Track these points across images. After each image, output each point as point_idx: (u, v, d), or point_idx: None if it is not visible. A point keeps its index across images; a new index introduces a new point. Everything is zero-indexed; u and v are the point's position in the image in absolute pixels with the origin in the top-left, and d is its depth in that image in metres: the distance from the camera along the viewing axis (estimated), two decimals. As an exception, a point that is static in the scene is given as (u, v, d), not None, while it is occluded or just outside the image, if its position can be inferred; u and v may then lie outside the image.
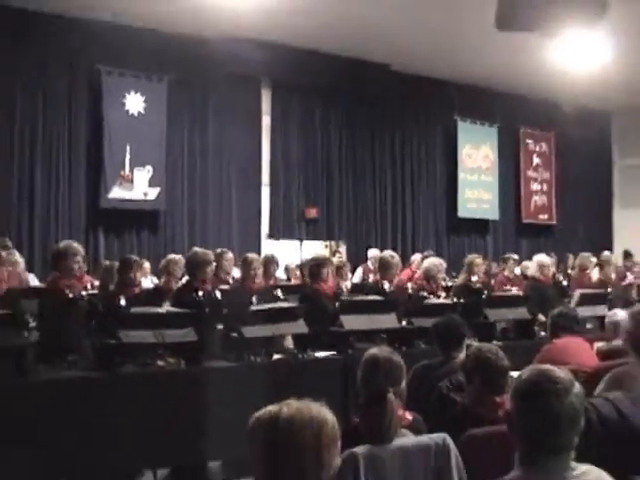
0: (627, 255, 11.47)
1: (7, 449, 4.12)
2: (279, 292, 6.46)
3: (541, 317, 6.73)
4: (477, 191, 13.92)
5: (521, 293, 7.47)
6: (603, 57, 10.77)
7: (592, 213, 15.55)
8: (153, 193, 10.44)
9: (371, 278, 8.72)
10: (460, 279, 7.57)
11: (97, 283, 6.46)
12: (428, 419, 3.00)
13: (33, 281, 7.52)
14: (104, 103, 10.11)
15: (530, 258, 9.48)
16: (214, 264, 6.05)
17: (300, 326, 5.51)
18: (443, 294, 6.81)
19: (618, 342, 4.62)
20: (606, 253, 9.96)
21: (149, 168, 10.36)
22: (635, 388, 2.97)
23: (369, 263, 10.44)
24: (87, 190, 10.11)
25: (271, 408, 1.78)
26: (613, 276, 9.21)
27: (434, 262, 7.11)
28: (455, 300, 6.64)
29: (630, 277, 9.56)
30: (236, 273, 7.24)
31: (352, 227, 12.56)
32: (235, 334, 5.44)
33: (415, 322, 6.04)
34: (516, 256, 9.42)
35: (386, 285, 6.65)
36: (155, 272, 8.25)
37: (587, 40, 9.24)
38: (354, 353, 5.38)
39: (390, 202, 13.12)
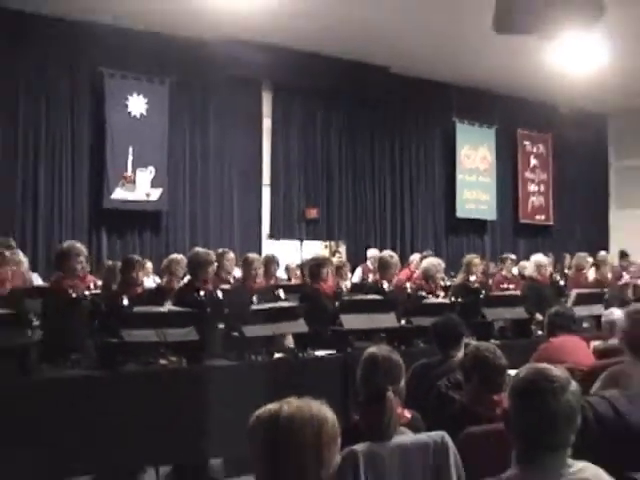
0: (623, 255, 11.47)
1: (11, 448, 4.14)
2: (281, 292, 6.47)
3: (538, 316, 6.77)
4: (475, 192, 13.94)
5: (518, 293, 7.49)
6: (600, 60, 10.80)
7: (588, 214, 15.59)
8: (155, 194, 10.47)
9: (370, 278, 8.76)
10: (458, 279, 7.60)
11: (100, 283, 6.52)
12: (427, 417, 3.02)
13: (37, 281, 7.51)
14: (106, 105, 10.14)
15: (527, 258, 9.54)
16: (215, 264, 6.06)
17: (300, 325, 5.52)
18: (442, 294, 6.84)
19: (614, 341, 4.59)
20: (602, 253, 9.97)
21: (151, 169, 10.39)
22: (631, 386, 3.00)
23: (368, 263, 10.47)
24: (90, 191, 10.14)
25: (271, 406, 1.78)
26: (609, 276, 9.26)
27: (433, 262, 7.14)
28: (453, 299, 6.67)
29: (626, 277, 9.60)
30: (237, 273, 7.26)
31: (352, 227, 12.58)
32: (236, 333, 5.46)
33: (414, 321, 6.07)
34: (514, 256, 9.44)
35: (385, 285, 6.66)
36: (157, 272, 8.27)
37: (584, 43, 9.29)
38: (354, 352, 5.39)
39: (389, 203, 13.15)
